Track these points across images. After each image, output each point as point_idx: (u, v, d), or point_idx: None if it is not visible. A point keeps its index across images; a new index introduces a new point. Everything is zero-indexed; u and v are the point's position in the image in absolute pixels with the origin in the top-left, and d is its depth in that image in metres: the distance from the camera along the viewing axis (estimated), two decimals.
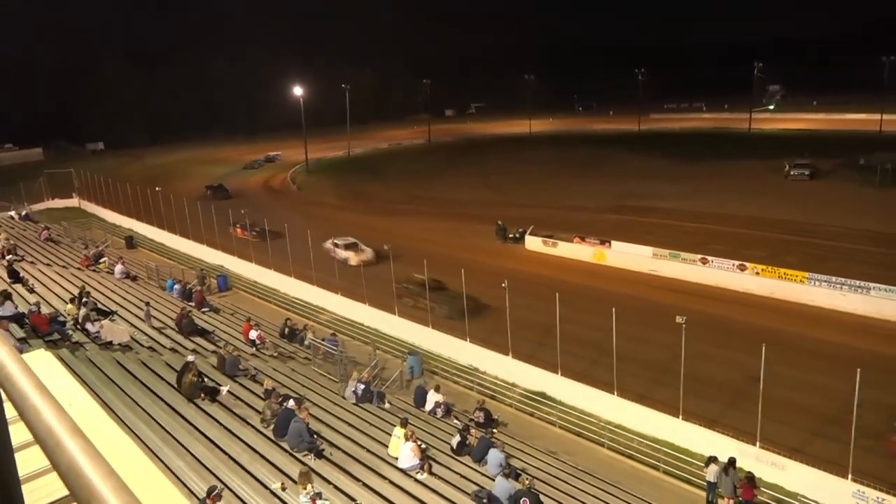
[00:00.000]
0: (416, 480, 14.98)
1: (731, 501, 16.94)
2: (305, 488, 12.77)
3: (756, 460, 17.86)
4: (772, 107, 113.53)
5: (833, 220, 43.02)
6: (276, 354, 24.62)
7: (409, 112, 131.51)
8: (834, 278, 30.22)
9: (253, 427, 16.30)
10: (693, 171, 64.34)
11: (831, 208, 46.46)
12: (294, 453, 15.06)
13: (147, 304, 26.02)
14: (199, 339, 24.46)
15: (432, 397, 21.01)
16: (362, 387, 20.29)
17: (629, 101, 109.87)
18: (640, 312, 27.24)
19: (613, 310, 21.11)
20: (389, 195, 63.23)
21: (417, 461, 15.40)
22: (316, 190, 69.35)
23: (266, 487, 13.23)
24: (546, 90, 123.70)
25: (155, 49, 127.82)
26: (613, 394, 21.31)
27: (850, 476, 16.42)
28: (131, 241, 46.28)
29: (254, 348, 24.45)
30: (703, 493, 17.56)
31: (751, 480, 16.71)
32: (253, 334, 25.09)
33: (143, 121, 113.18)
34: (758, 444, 18.05)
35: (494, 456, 15.94)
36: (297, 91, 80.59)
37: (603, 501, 15.84)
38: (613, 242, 39.02)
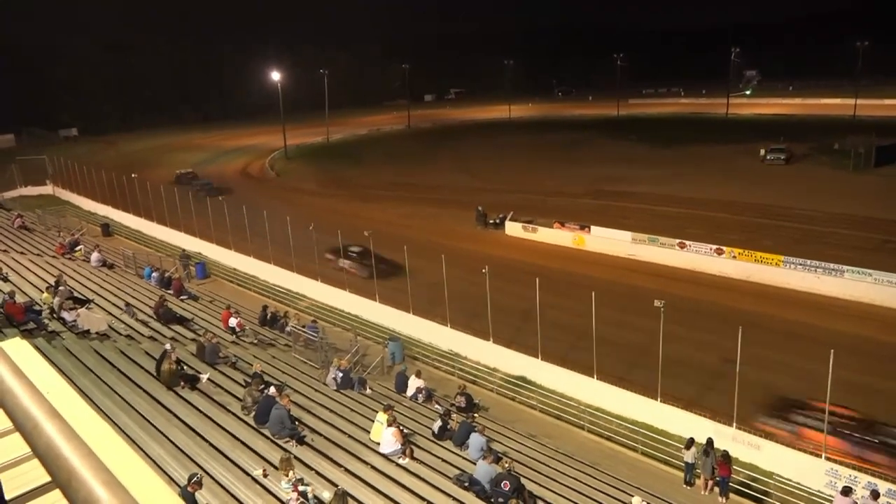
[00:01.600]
0: (398, 465, 15.05)
1: (710, 482, 17.27)
2: (287, 474, 12.78)
3: (733, 441, 18.15)
4: (748, 92, 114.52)
5: (808, 203, 43.60)
6: (256, 342, 24.51)
7: (387, 97, 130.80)
8: (809, 261, 30.71)
9: (233, 414, 16.24)
10: (671, 156, 64.81)
11: (806, 192, 47.08)
12: (275, 440, 15.05)
13: (127, 304, 25.54)
14: (177, 327, 24.26)
15: (413, 383, 21.07)
16: (341, 374, 20.29)
17: (608, 87, 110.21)
18: (620, 297, 27.48)
19: (593, 294, 21.30)
20: (369, 181, 62.92)
21: (399, 446, 15.47)
22: (295, 176, 68.80)
23: (247, 474, 13.22)
24: (525, 75, 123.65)
25: (128, 34, 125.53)
26: (593, 377, 21.53)
27: (823, 455, 16.78)
28: (107, 228, 45.61)
29: (234, 336, 24.31)
30: (681, 474, 17.88)
31: (727, 459, 17.03)
32: (232, 322, 24.93)
33: (117, 107, 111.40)
34: (734, 424, 18.35)
35: (475, 440, 16.05)
36: (275, 76, 79.67)
37: (583, 483, 16.03)
38: (593, 227, 39.24)
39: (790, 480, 16.96)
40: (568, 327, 24.66)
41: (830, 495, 15.53)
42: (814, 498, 16.27)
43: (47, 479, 1.62)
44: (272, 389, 16.70)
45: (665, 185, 51.73)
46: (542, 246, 39.64)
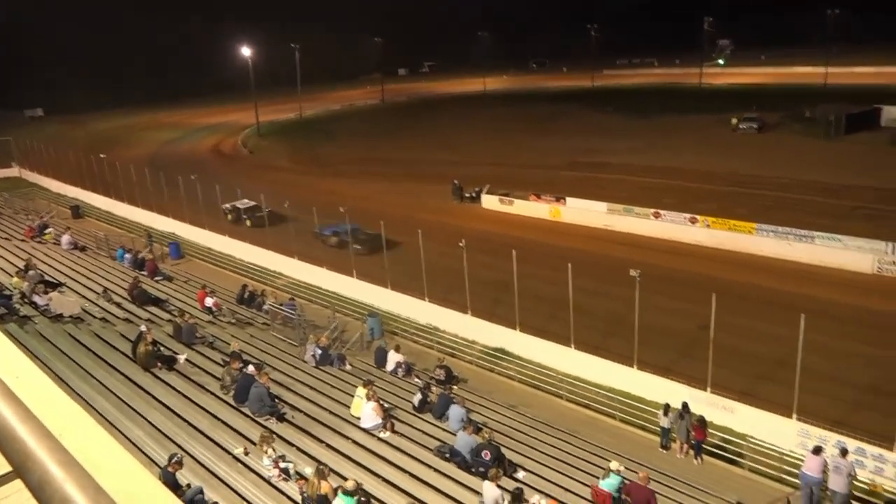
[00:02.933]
0: (379, 439, 15.15)
1: (685, 445, 17.64)
2: (268, 452, 12.81)
3: (707, 405, 18.50)
4: (722, 62, 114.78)
5: (781, 171, 44.11)
6: (233, 321, 24.38)
7: (361, 72, 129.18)
8: (781, 228, 31.19)
9: (212, 394, 16.20)
10: (645, 127, 65.04)
11: (779, 161, 47.62)
12: (255, 418, 15.05)
13: (105, 289, 25.12)
14: (153, 309, 24.02)
15: (393, 357, 21.15)
16: (320, 351, 20.29)
17: (582, 58, 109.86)
18: (596, 267, 27.72)
19: (569, 266, 21.45)
20: (344, 157, 62.38)
21: (380, 420, 15.55)
22: (269, 153, 67.98)
23: (228, 453, 13.23)
24: (499, 47, 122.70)
25: (94, 9, 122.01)
26: (570, 347, 21.77)
27: (794, 416, 17.19)
28: (77, 210, 44.82)
29: (210, 315, 24.14)
30: (658, 439, 18.23)
31: (702, 423, 17.40)
32: (209, 301, 24.75)
33: (85, 85, 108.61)
34: (709, 389, 18.71)
35: (455, 412, 16.19)
36: (245, 52, 78.21)
37: (561, 450, 16.29)
38: (568, 199, 39.39)
39: (763, 442, 17.39)
40: (545, 298, 24.83)
41: (802, 455, 15.93)
42: (786, 458, 16.69)
43: (7, 467, 1.59)
44: (251, 368, 16.66)
45: (640, 155, 51.98)
46: (518, 218, 39.72)
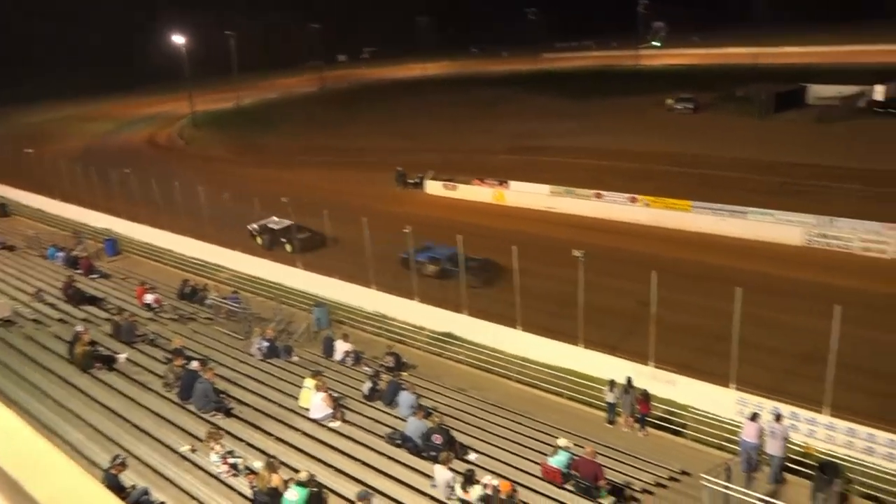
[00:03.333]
0: (330, 429, 15.07)
1: (631, 419, 18.14)
2: (215, 448, 12.60)
3: (651, 379, 19.02)
4: (657, 43, 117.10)
5: (715, 150, 45.49)
6: (175, 317, 23.78)
7: (299, 59, 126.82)
8: (716, 205, 32.24)
9: (156, 392, 15.81)
10: (585, 109, 65.96)
11: (714, 140, 49.06)
12: (201, 414, 14.77)
13: (38, 291, 24.13)
14: (89, 308, 23.22)
15: (341, 347, 21.03)
16: (266, 343, 20.01)
17: (521, 42, 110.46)
18: (540, 249, 27.89)
19: (514, 248, 21.67)
20: (285, 146, 61.38)
21: (330, 410, 15.46)
22: (207, 144, 66.34)
23: (174, 451, 12.96)
24: (438, 32, 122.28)
25: None
26: (518, 328, 22.05)
27: (733, 386, 17.84)
28: (4, 208, 42.89)
29: (151, 312, 23.49)
30: (604, 414, 18.68)
31: (646, 396, 17.92)
32: (149, 298, 24.07)
33: (5, 75, 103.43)
34: (651, 364, 19.25)
35: (405, 398, 16.23)
36: (178, 40, 75.82)
37: (511, 431, 16.51)
38: (511, 182, 39.75)
39: (704, 412, 18.02)
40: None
41: (741, 422, 16.56)
42: (725, 426, 17.32)
43: None
44: (195, 364, 16.32)
45: (581, 137, 52.77)
46: (462, 203, 39.90)
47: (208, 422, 14.33)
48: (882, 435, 15.85)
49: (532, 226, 34.22)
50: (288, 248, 31.76)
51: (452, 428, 15.26)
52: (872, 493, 14.82)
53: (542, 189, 38.55)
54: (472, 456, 14.58)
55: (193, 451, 12.90)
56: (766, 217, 30.90)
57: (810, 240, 29.38)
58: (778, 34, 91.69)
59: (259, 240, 33.67)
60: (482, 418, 17.23)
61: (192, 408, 15.02)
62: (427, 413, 15.32)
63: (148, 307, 23.75)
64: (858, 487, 14.89)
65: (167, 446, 13.17)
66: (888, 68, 58.99)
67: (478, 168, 43.69)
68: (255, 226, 33.90)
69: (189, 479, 12.04)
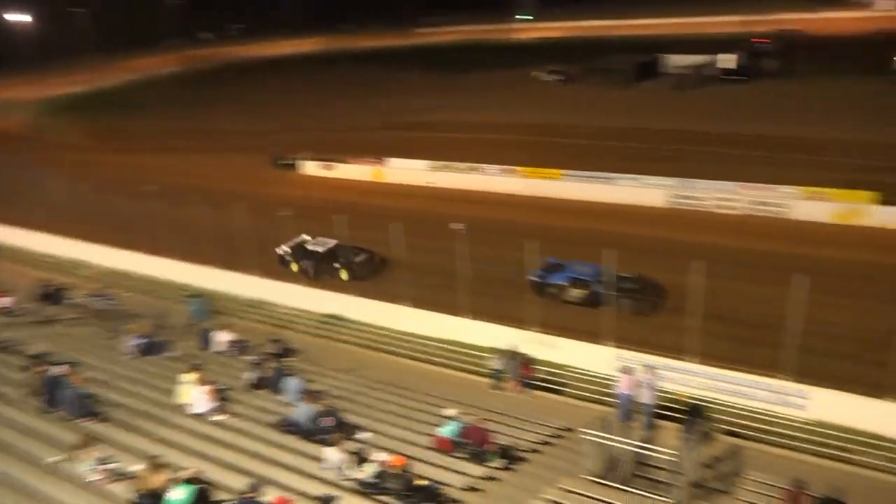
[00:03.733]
0: (214, 423, 14.61)
1: (516, 383, 18.78)
2: (89, 455, 11.89)
3: (534, 343, 19.71)
4: (528, 17, 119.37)
5: (585, 120, 47.34)
6: (36, 320, 22.08)
7: (159, 38, 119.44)
8: (585, 173, 33.74)
9: (17, 403, 14.67)
10: (459, 84, 66.64)
11: (583, 110, 51.11)
12: (72, 421, 13.87)
13: None
14: None
15: (222, 337, 20.34)
16: (141, 341, 19.03)
17: (394, 17, 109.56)
18: (421, 224, 28.03)
19: (391, 225, 21.73)
20: (149, 131, 57.93)
21: (213, 404, 14.98)
22: (61, 131, 61.39)
23: (44, 464, 12.12)
24: (307, 9, 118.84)
25: None
26: (403, 305, 22.19)
27: (610, 343, 18.88)
28: None
29: (7, 317, 21.68)
30: (491, 380, 19.22)
31: (529, 360, 18.63)
32: (4, 301, 22.22)
33: None
34: (533, 329, 19.96)
35: (292, 383, 15.99)
36: (21, 18, 69.21)
37: (402, 406, 16.68)
38: (390, 159, 39.68)
39: (584, 370, 19.02)
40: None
41: (617, 376, 17.53)
42: (603, 381, 18.32)
43: None
44: (60, 368, 15.26)
45: (456, 112, 53.25)
46: (340, 182, 39.43)
47: (80, 429, 13.49)
48: (741, 377, 17.41)
49: (412, 202, 34.39)
50: (344, 275, 26.27)
51: (344, 410, 15.22)
52: (734, 429, 16.21)
53: (420, 165, 38.76)
54: (363, 435, 14.62)
55: (64, 461, 12.11)
56: (632, 182, 32.72)
57: (672, 201, 31.42)
58: (633, 6, 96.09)
59: (295, 267, 27.39)
60: (373, 397, 17.27)
61: (62, 415, 14.07)
62: (315, 397, 15.18)
63: (3, 312, 21.90)
64: (721, 426, 16.24)
65: (34, 459, 12.29)
66: (733, 38, 63.39)
67: (355, 146, 43.23)
68: (286, 248, 27.67)
69: (62, 492, 11.31)
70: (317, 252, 26.98)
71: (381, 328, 22.19)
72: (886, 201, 27.63)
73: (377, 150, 41.42)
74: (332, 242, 26.86)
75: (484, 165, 36.96)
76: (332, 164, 41.09)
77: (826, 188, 29.20)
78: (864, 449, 15.32)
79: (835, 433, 15.91)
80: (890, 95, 44.54)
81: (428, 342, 21.30)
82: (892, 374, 15.39)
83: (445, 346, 20.85)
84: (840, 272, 22.54)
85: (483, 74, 69.27)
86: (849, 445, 15.47)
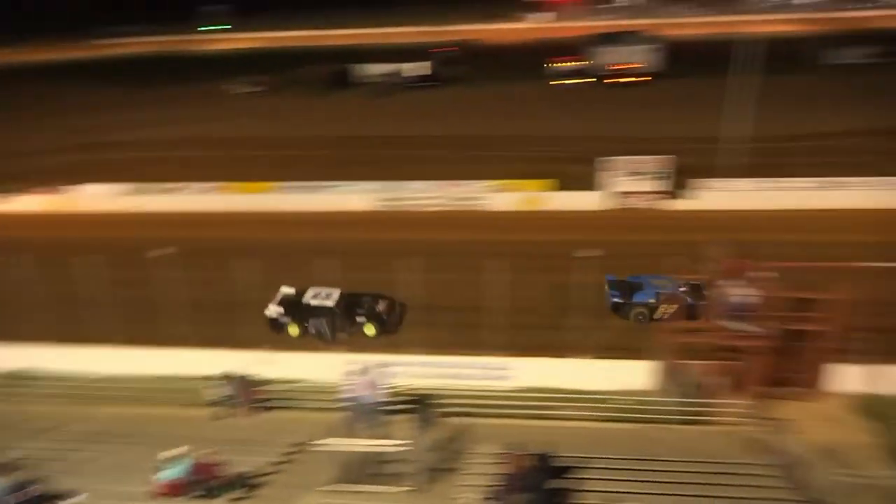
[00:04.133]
0: None
1: (243, 408, 18.03)
2: None
3: (255, 363, 19.12)
4: (222, 27, 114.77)
5: (289, 131, 47.16)
6: None
7: None
8: (295, 183, 33.98)
9: None
10: (150, 98, 61.73)
11: (286, 121, 50.88)
12: None
13: None
14: None
15: None
16: None
17: (69, 28, 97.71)
18: (120, 253, 24.55)
19: (79, 260, 19.56)
20: None
21: None
22: None
23: None
24: None
25: None
26: (105, 346, 20.26)
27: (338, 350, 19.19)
28: None
29: None
30: (216, 410, 18.24)
31: (252, 382, 18.25)
32: None
33: None
34: (250, 349, 19.50)
35: None
36: None
37: (120, 457, 15.18)
38: (80, 186, 35.68)
39: (314, 381, 19.07)
40: (66, 300, 21.87)
41: (349, 381, 17.76)
42: (334, 389, 18.29)
43: None
44: None
45: (151, 129, 49.33)
46: (21, 218, 34.32)
47: None
48: (457, 360, 18.97)
49: (107, 230, 31.27)
50: (369, 331, 22.34)
51: (50, 474, 13.33)
52: (457, 409, 17.46)
53: (117, 189, 35.33)
54: (78, 498, 13.05)
55: None
56: (341, 188, 33.62)
57: (379, 204, 32.95)
58: (327, 17, 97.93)
59: (294, 330, 22.67)
60: (82, 451, 15.42)
61: None
62: (8, 469, 13.13)
63: None
64: (446, 409, 17.41)
65: None
66: (420, 47, 67.73)
67: (36, 173, 37.69)
68: (278, 308, 22.76)
69: None
70: (328, 309, 22.43)
71: (83, 377, 19.75)
72: (563, 187, 32.02)
73: (62, 176, 36.64)
74: (336, 292, 22.69)
75: (189, 184, 34.85)
76: (8, 195, 35.58)
77: (513, 180, 32.88)
78: (563, 404, 17.62)
79: (538, 395, 18.09)
80: (553, 97, 51.94)
81: (139, 383, 19.54)
82: (571, 336, 18.07)
83: (159, 383, 19.32)
84: (528, 252, 25.42)
85: (175, 88, 64.97)
86: (551, 404, 17.66)
